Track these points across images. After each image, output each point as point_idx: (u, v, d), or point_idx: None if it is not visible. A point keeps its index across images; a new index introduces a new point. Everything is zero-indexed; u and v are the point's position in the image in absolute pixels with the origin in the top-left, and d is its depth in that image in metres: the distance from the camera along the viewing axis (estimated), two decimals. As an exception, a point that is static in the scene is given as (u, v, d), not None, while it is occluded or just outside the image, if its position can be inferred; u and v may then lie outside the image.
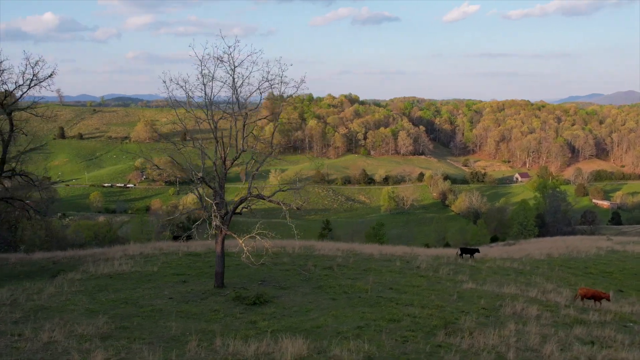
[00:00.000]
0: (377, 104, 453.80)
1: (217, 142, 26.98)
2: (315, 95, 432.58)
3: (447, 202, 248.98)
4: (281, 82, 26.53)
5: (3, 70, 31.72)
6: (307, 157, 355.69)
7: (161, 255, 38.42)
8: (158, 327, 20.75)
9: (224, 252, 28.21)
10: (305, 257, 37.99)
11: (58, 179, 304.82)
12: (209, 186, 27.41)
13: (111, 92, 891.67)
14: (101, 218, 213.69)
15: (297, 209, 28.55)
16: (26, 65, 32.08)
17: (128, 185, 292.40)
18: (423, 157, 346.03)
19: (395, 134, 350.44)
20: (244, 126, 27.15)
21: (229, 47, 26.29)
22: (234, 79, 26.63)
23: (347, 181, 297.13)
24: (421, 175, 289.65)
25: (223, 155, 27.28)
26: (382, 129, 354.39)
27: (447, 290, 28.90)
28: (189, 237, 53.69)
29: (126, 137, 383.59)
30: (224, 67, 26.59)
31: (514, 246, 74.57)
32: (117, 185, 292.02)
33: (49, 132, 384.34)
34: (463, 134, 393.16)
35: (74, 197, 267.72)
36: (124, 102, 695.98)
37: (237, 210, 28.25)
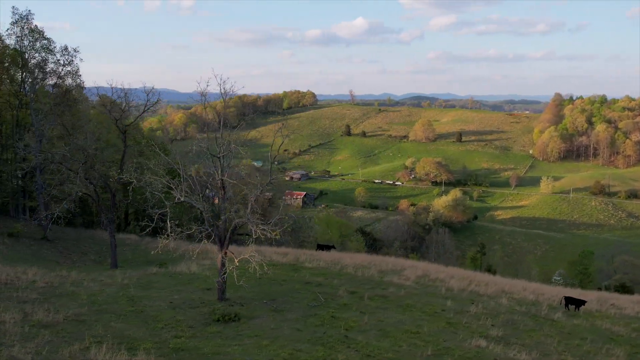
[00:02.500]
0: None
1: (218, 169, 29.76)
2: (609, 97, 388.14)
3: None
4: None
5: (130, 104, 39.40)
6: (589, 165, 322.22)
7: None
8: (100, 327, 24.31)
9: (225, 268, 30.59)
10: (364, 282, 37.47)
11: (337, 173, 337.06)
12: (198, 207, 30.16)
13: (410, 92, 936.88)
14: (359, 212, 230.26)
15: (275, 237, 29.35)
16: (124, 92, 39.19)
17: (396, 183, 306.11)
18: None
19: None
20: (221, 162, 29.27)
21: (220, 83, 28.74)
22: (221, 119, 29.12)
23: (633, 195, 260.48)
24: None
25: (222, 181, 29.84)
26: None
27: (438, 344, 25.87)
28: (329, 247, 56.76)
29: (405, 137, 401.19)
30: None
31: None
32: (386, 182, 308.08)
33: (338, 129, 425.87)
34: None
35: (345, 191, 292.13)
36: (419, 101, 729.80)
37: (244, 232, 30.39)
